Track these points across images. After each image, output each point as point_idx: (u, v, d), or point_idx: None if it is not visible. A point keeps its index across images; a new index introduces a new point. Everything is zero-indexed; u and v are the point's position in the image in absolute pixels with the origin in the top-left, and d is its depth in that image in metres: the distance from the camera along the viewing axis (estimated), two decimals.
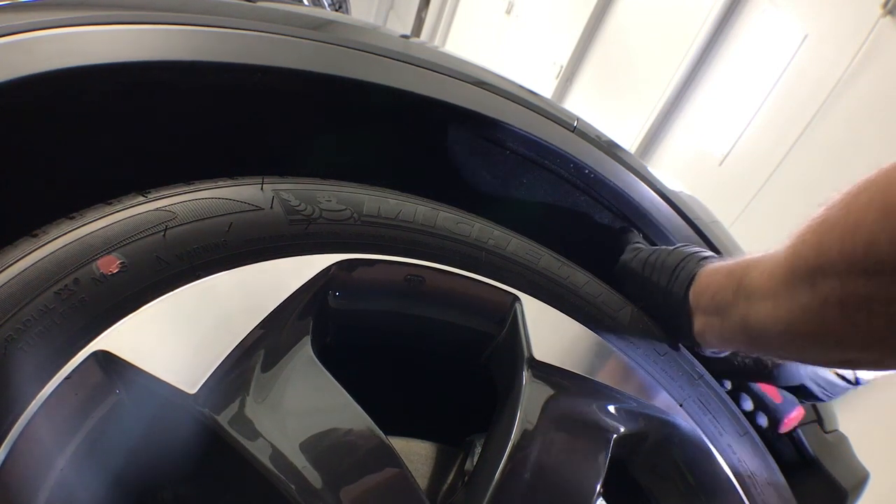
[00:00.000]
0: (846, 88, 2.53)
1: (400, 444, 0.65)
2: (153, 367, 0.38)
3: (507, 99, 0.70)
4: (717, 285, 0.55)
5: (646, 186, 0.74)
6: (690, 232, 0.76)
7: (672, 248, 0.64)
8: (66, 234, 0.40)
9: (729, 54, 3.26)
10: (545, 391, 0.52)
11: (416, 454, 0.65)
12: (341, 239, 0.49)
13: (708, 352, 0.61)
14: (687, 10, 3.39)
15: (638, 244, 0.68)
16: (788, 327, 0.45)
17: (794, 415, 0.71)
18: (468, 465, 0.62)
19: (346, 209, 0.50)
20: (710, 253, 0.62)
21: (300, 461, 0.40)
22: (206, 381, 0.39)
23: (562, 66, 4.27)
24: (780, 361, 0.62)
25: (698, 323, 0.58)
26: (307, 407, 0.43)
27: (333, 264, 0.48)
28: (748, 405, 0.71)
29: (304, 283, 0.46)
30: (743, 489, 0.61)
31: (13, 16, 0.47)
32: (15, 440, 0.33)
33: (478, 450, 0.63)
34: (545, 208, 0.73)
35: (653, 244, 0.74)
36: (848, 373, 0.66)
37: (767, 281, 0.47)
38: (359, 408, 0.44)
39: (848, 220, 0.39)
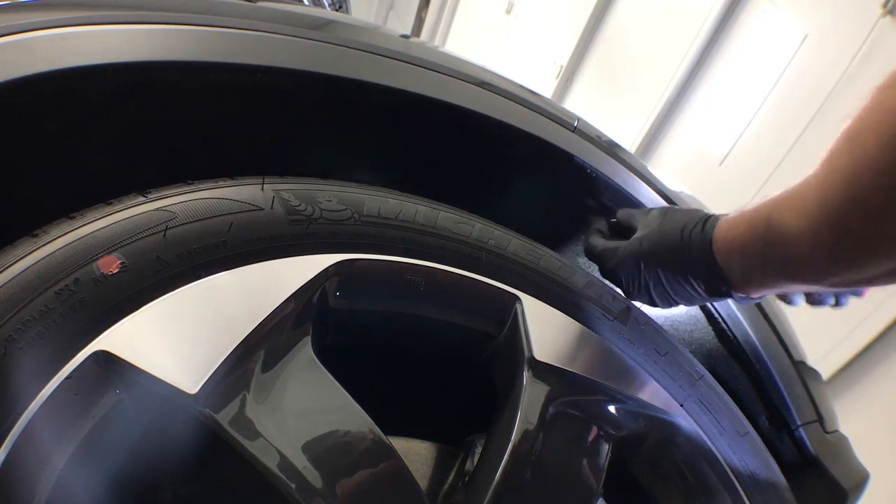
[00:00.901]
0: (846, 88, 2.53)
1: (400, 444, 0.65)
2: (153, 368, 0.38)
3: (508, 99, 0.70)
4: (744, 240, 0.52)
5: (647, 186, 0.74)
6: None
7: (653, 218, 0.61)
8: (66, 234, 0.39)
9: (729, 54, 3.26)
10: (545, 391, 0.52)
11: (416, 454, 0.65)
12: (342, 239, 0.49)
13: (754, 297, 0.58)
14: (687, 10, 3.39)
15: (601, 227, 0.66)
16: (833, 251, 0.43)
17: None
18: (468, 465, 0.62)
19: (346, 209, 0.50)
20: (704, 212, 0.59)
21: (300, 461, 0.40)
22: (206, 382, 0.39)
23: (562, 66, 4.27)
24: None
25: (735, 278, 0.54)
26: (307, 407, 0.43)
27: (334, 264, 0.48)
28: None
29: (304, 283, 0.46)
30: (743, 489, 0.61)
31: (13, 16, 0.47)
32: (15, 440, 0.33)
33: (478, 450, 0.63)
34: (546, 208, 0.73)
35: None
36: None
37: (797, 214, 0.46)
38: (359, 408, 0.44)
39: (869, 126, 0.38)
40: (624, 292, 0.64)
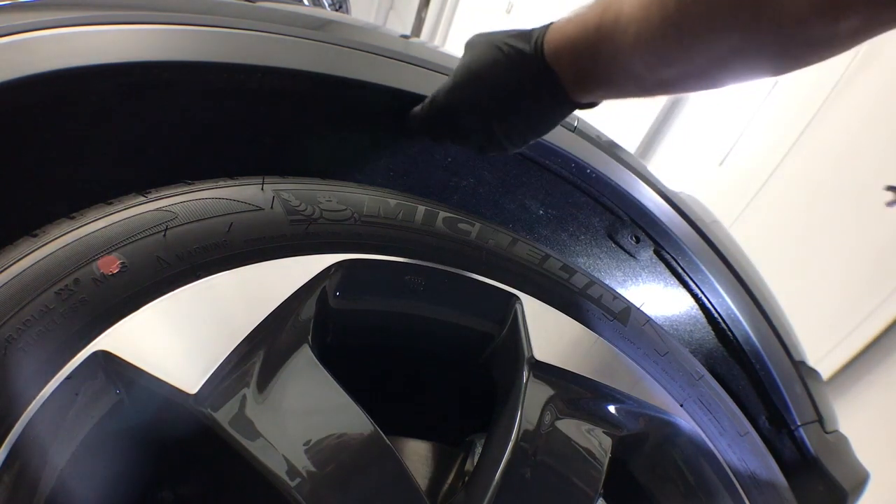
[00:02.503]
0: (846, 88, 2.53)
1: (400, 444, 0.65)
2: (153, 367, 0.38)
3: None
4: (575, 36, 0.51)
5: (647, 186, 0.74)
6: (691, 231, 0.76)
7: (465, 54, 0.57)
8: (66, 234, 0.40)
9: None
10: (545, 391, 0.52)
11: (416, 454, 0.66)
12: (342, 239, 0.49)
13: (583, 104, 0.56)
14: None
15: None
16: (664, 27, 0.44)
17: None
18: (468, 465, 0.62)
19: (346, 209, 0.50)
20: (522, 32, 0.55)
21: (300, 461, 0.40)
22: (206, 382, 0.39)
23: None
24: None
25: (566, 80, 0.52)
26: (307, 407, 0.43)
27: (334, 264, 0.48)
28: None
29: (304, 283, 0.46)
30: (743, 489, 0.61)
31: (13, 16, 0.47)
32: (15, 440, 0.33)
33: (478, 450, 0.63)
34: (546, 208, 0.73)
35: (655, 243, 0.74)
36: None
37: (630, 4, 0.46)
38: (359, 408, 0.44)
39: None
40: (456, 140, 0.59)
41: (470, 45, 0.58)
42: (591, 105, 0.57)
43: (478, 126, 0.56)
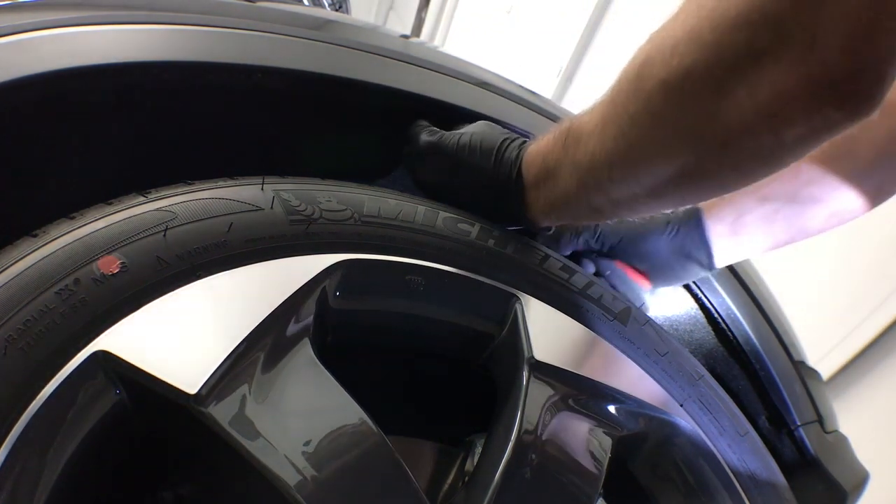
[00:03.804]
0: None
1: (400, 444, 0.65)
2: (153, 367, 0.38)
3: (508, 99, 0.70)
4: (546, 150, 0.54)
5: None
6: None
7: (483, 129, 0.61)
8: (66, 234, 0.39)
9: None
10: (545, 391, 0.52)
11: (416, 454, 0.66)
12: (342, 239, 0.49)
13: (541, 226, 0.60)
14: None
15: (431, 127, 0.64)
16: (617, 146, 0.46)
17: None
18: (468, 465, 0.62)
19: (346, 209, 0.50)
20: (527, 137, 0.60)
21: (300, 461, 0.40)
22: (206, 382, 0.39)
23: (562, 67, 4.27)
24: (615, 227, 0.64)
25: (531, 196, 0.57)
26: (307, 407, 0.43)
27: (334, 264, 0.48)
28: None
29: (304, 283, 0.46)
30: (743, 489, 0.61)
31: (13, 16, 0.47)
32: (15, 440, 0.33)
33: (478, 450, 0.63)
34: None
35: None
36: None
37: (593, 117, 0.48)
38: (359, 408, 0.44)
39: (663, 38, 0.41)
40: (421, 177, 0.64)
41: (493, 127, 0.61)
42: (547, 229, 0.63)
43: (450, 201, 0.60)
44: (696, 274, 0.70)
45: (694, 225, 0.68)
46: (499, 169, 0.57)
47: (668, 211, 0.70)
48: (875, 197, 0.63)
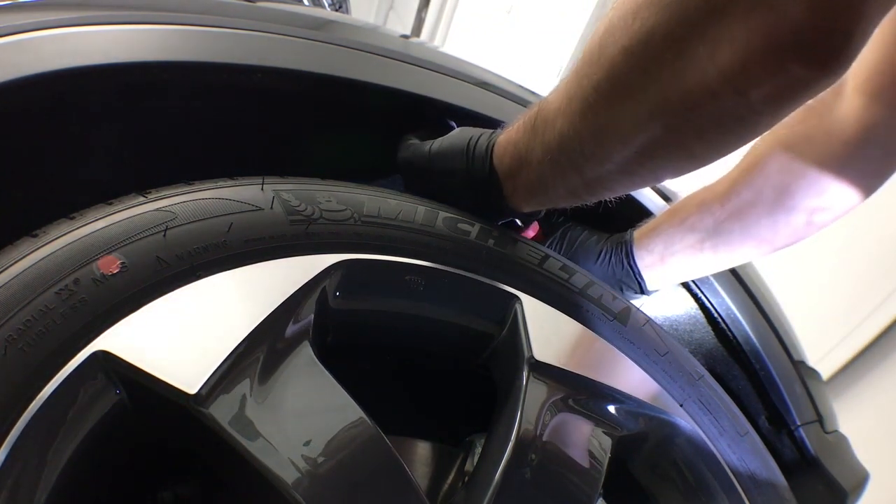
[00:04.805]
0: None
1: (400, 444, 0.65)
2: (153, 368, 0.38)
3: (508, 99, 0.70)
4: (517, 137, 0.54)
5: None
6: None
7: (455, 133, 0.61)
8: (66, 234, 0.39)
9: None
10: (545, 391, 0.52)
11: (416, 454, 0.66)
12: (342, 239, 0.49)
13: (526, 214, 0.61)
14: None
15: (411, 139, 0.65)
16: (585, 121, 0.45)
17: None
18: (468, 465, 0.62)
19: (346, 209, 0.50)
20: (494, 129, 0.60)
21: (300, 461, 0.40)
22: (206, 382, 0.39)
23: (562, 67, 4.27)
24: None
25: (508, 187, 0.56)
26: (307, 407, 0.43)
27: (334, 264, 0.48)
28: None
29: (304, 283, 0.46)
30: (743, 489, 0.61)
31: (13, 16, 0.47)
32: (15, 440, 0.33)
33: (478, 450, 0.63)
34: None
35: None
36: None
37: (558, 95, 0.48)
38: (358, 408, 0.44)
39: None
40: (410, 190, 0.64)
41: (462, 130, 0.61)
42: (533, 215, 0.63)
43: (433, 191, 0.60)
44: (631, 297, 0.72)
45: (623, 255, 0.71)
46: (472, 166, 0.57)
47: (606, 235, 0.73)
48: (862, 189, 0.62)
